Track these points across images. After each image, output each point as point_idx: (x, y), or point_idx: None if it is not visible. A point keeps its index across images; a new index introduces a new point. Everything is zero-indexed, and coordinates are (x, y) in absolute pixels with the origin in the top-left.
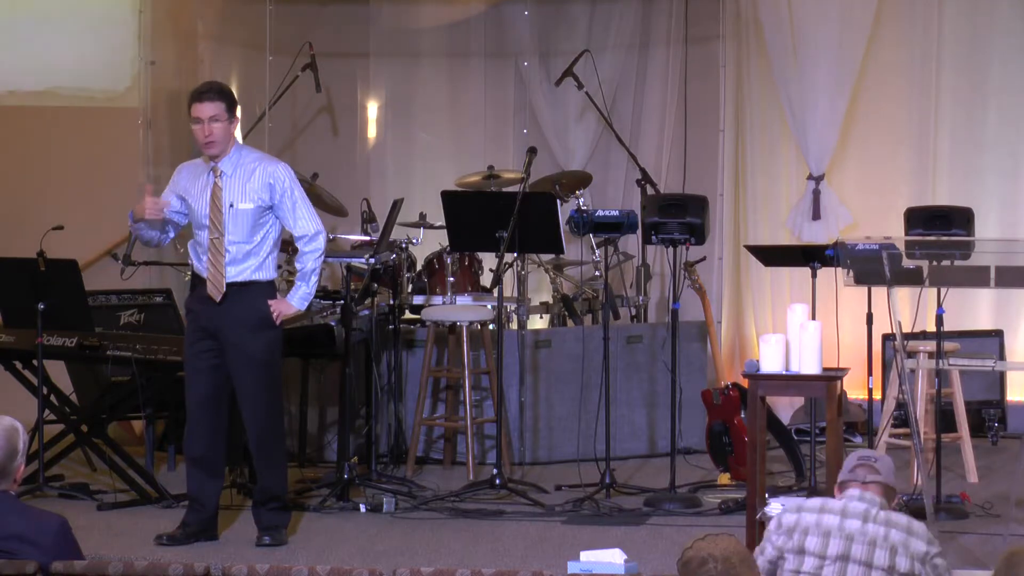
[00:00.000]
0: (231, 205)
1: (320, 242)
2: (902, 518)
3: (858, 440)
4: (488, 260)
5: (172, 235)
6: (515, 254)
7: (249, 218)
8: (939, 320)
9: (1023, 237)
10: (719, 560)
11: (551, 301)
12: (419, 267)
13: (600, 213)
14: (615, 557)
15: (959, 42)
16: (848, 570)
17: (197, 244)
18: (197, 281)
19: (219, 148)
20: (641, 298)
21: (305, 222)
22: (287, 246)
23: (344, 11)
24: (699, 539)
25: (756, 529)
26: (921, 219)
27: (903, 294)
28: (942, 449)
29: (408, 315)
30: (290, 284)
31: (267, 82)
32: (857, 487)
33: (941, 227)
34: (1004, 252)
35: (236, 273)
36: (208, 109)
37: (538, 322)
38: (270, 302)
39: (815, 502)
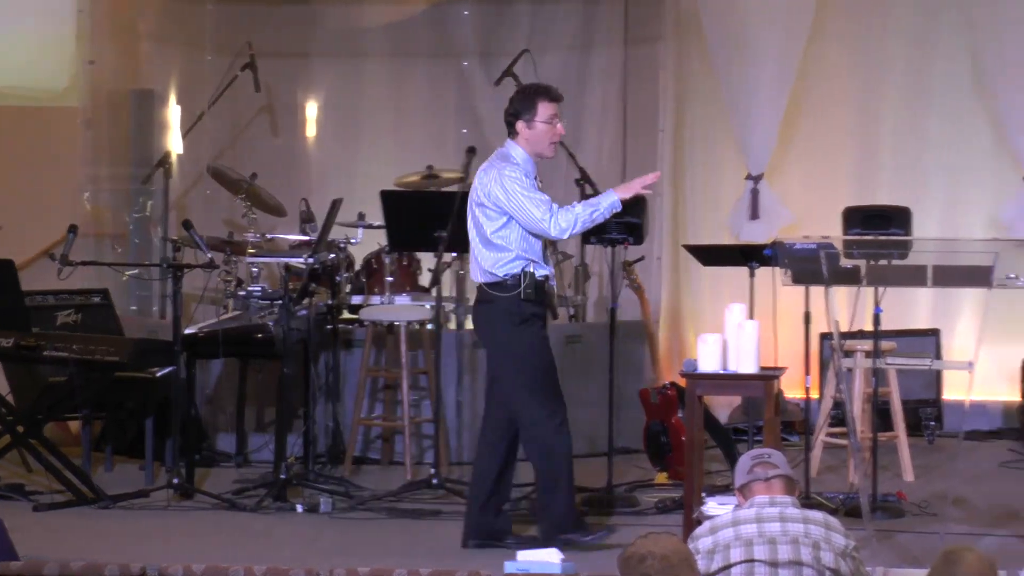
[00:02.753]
0: None
1: None
2: (818, 514)
3: (795, 439)
4: (427, 260)
5: None
6: (454, 254)
7: None
8: (876, 319)
9: (963, 237)
10: (658, 558)
11: None
12: (357, 267)
13: None
14: (552, 557)
15: (902, 42)
16: (779, 573)
17: (537, 249)
18: (539, 285)
19: None
20: (580, 298)
21: None
22: (225, 245)
23: (285, 11)
24: (642, 537)
25: (693, 528)
26: (859, 219)
27: (841, 293)
28: (879, 448)
29: (346, 315)
30: (228, 284)
31: (207, 82)
32: (762, 487)
33: (879, 227)
34: (941, 251)
35: None
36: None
37: None
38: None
39: (726, 517)
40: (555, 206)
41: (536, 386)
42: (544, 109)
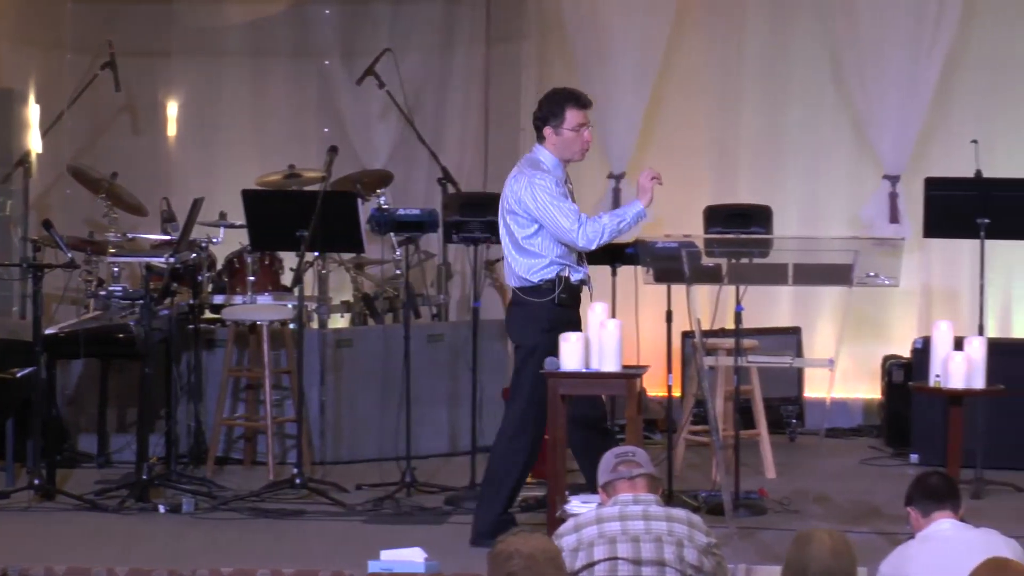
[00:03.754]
0: None
1: None
2: (681, 512)
3: (658, 437)
4: (289, 259)
5: None
6: (316, 253)
7: None
8: (738, 317)
9: (823, 235)
10: (524, 556)
11: (352, 300)
12: (219, 266)
13: (401, 212)
14: (416, 556)
15: (761, 43)
16: (642, 572)
17: (569, 253)
18: (573, 289)
19: None
20: (442, 297)
21: None
22: (86, 245)
23: (145, 10)
24: (511, 534)
25: (557, 526)
26: (720, 217)
27: (702, 292)
28: (741, 446)
29: (208, 315)
30: (89, 284)
31: (67, 81)
32: (626, 486)
33: (740, 225)
34: (802, 250)
35: None
36: (588, 117)
37: (339, 321)
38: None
39: (590, 515)
40: (583, 216)
41: (540, 402)
42: (572, 117)
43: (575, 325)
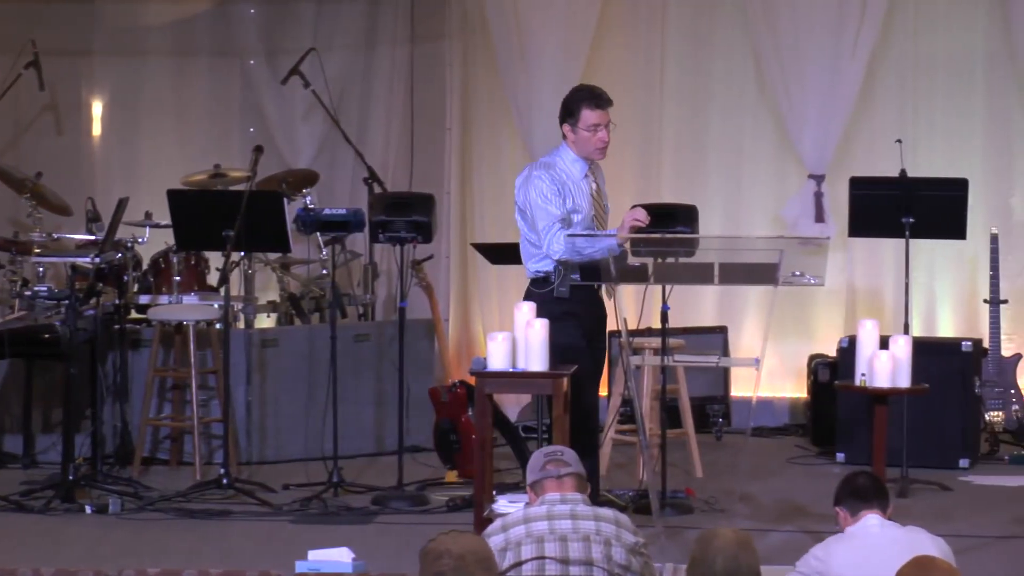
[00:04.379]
0: (606, 207)
1: None
2: (608, 511)
3: None
4: (215, 259)
5: None
6: (242, 253)
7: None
8: (664, 317)
9: (746, 235)
10: (454, 556)
11: (278, 300)
12: (145, 266)
13: (327, 211)
14: (343, 556)
15: (682, 43)
16: (570, 571)
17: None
18: (569, 283)
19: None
20: (368, 296)
21: None
22: (10, 245)
23: (68, 9)
24: (445, 533)
25: (485, 526)
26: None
27: (628, 291)
28: (668, 445)
29: (134, 315)
30: (13, 284)
31: None
32: (553, 485)
33: (665, 224)
34: (727, 249)
35: None
36: (607, 116)
37: (265, 321)
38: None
39: (518, 515)
40: (557, 225)
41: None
42: (587, 117)
43: (576, 317)
